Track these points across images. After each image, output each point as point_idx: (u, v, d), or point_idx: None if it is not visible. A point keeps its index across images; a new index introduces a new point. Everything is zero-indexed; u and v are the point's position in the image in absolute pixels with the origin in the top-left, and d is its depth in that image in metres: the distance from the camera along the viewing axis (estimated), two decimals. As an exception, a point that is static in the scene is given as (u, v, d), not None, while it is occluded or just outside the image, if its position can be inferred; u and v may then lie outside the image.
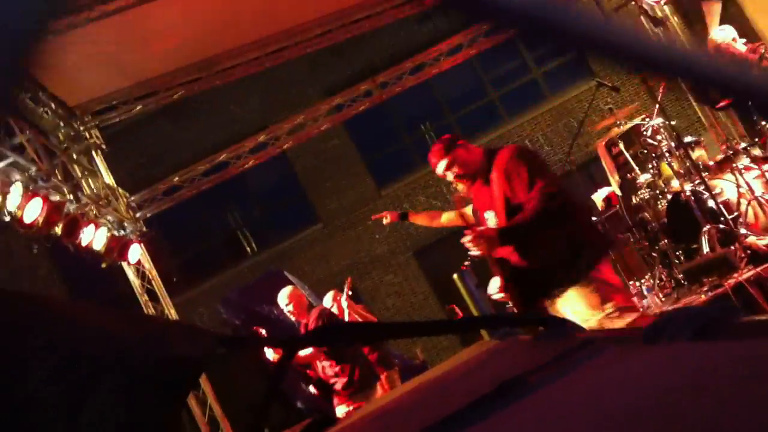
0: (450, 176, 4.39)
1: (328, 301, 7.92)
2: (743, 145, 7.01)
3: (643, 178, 7.55)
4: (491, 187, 4.25)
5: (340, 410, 6.86)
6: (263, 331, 7.27)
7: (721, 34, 7.00)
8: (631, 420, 0.46)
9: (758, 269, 5.59)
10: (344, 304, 7.44)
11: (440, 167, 4.37)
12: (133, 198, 10.44)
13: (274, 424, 9.20)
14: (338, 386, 6.99)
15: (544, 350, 0.93)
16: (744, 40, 7.26)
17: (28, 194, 7.06)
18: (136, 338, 1.15)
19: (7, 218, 6.93)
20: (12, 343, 0.98)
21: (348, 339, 2.37)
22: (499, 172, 4.19)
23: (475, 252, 4.16)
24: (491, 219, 4.31)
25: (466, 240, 4.10)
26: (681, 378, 0.49)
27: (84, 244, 8.07)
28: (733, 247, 6.19)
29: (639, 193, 7.67)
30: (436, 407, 0.96)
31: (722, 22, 6.98)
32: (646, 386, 0.52)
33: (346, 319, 7.50)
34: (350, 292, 7.54)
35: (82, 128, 9.71)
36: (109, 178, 9.91)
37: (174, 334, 1.23)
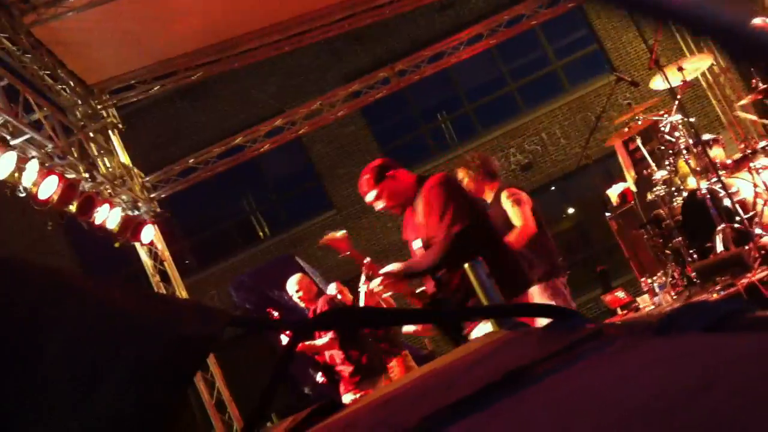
0: (379, 206, 4.36)
1: (331, 291, 7.85)
2: (762, 144, 6.95)
3: (660, 174, 7.50)
4: (416, 215, 4.21)
5: (347, 398, 6.88)
6: (276, 314, 7.31)
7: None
8: (639, 411, 0.45)
9: (772, 270, 5.55)
10: (363, 289, 7.22)
11: (368, 198, 4.34)
12: (148, 178, 10.47)
13: (281, 409, 9.24)
14: (345, 373, 7.01)
15: (552, 341, 0.92)
16: None
17: (44, 171, 7.10)
18: (148, 315, 1.15)
19: (23, 194, 6.98)
20: (25, 317, 0.98)
21: (356, 323, 2.37)
22: (422, 201, 4.15)
23: (386, 294, 4.16)
24: (418, 248, 4.27)
25: (376, 284, 4.09)
26: (692, 370, 0.49)
27: (98, 222, 8.11)
28: (747, 247, 6.15)
29: (655, 189, 7.62)
30: (442, 395, 0.96)
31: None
32: (656, 378, 0.51)
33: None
34: (370, 273, 7.21)
35: (99, 107, 9.74)
36: (124, 158, 9.94)
37: (185, 313, 1.22)
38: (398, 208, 4.34)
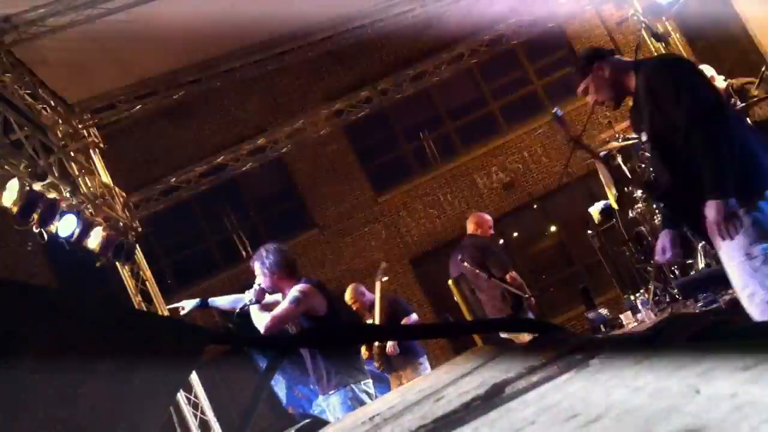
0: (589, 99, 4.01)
1: (348, 294, 8.04)
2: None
3: (640, 192, 7.55)
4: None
5: None
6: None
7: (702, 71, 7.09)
8: (623, 420, 0.45)
9: (753, 286, 5.59)
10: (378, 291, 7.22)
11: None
12: (129, 198, 10.42)
13: (265, 428, 9.15)
14: None
15: (537, 354, 0.92)
16: (722, 77, 8.17)
17: (25, 191, 7.04)
18: (127, 332, 1.14)
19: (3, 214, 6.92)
20: (5, 331, 0.97)
21: (339, 340, 2.37)
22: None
23: None
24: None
25: None
26: (676, 379, 0.49)
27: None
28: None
29: (636, 207, 7.66)
30: (428, 410, 0.95)
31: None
32: (640, 387, 0.52)
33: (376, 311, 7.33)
34: (385, 278, 7.30)
35: (80, 126, 9.69)
36: (106, 177, 9.89)
37: (165, 330, 1.22)
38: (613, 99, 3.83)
